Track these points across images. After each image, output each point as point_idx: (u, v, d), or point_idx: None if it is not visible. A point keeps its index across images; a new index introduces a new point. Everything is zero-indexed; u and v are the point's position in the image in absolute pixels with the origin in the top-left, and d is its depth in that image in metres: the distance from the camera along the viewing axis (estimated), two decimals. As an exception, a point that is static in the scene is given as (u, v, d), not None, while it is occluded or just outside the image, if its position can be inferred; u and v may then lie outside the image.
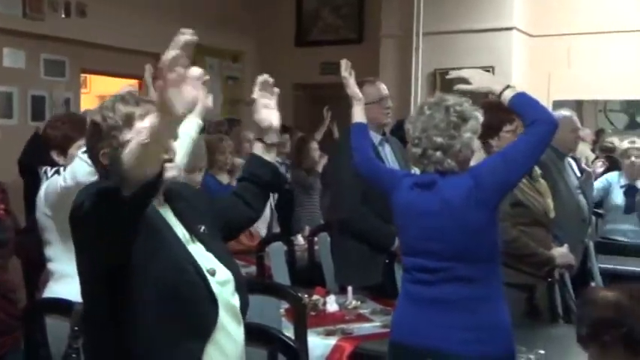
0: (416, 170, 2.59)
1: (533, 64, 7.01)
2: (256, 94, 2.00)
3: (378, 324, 2.97)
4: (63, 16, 6.12)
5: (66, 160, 2.68)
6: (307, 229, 5.04)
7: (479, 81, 2.43)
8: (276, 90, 2.03)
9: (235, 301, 1.72)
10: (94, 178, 1.91)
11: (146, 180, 1.37)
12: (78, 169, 2.34)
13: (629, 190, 4.86)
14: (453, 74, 2.54)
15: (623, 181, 4.99)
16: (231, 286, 1.72)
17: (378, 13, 7.40)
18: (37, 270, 3.04)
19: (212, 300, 1.63)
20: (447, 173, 2.28)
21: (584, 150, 6.41)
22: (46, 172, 2.76)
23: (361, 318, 3.06)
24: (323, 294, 3.31)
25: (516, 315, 2.42)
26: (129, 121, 1.65)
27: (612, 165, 5.33)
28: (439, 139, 2.26)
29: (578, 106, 6.84)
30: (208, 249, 1.74)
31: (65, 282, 2.45)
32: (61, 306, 2.22)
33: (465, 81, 2.47)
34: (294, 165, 5.86)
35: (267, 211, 4.91)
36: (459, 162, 2.29)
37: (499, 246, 2.31)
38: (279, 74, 8.62)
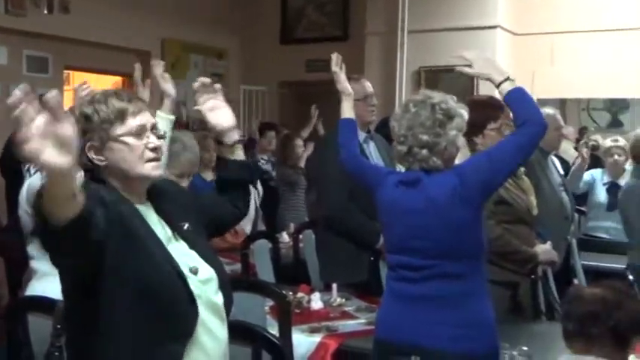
0: (401, 168, 2.59)
1: (517, 63, 7.04)
2: (199, 103, 1.92)
3: (362, 321, 2.98)
4: (45, 12, 6.07)
5: None
6: (292, 227, 5.05)
7: (481, 66, 2.40)
8: (217, 86, 1.96)
9: (219, 299, 1.71)
10: None
11: (66, 221, 1.31)
12: None
13: (612, 188, 4.89)
14: (457, 54, 2.48)
15: (606, 179, 5.03)
16: (215, 284, 1.72)
17: (362, 10, 7.40)
18: (19, 268, 3.02)
19: (191, 301, 1.61)
20: (432, 171, 2.28)
21: (568, 148, 6.45)
22: (29, 170, 2.74)
23: (346, 315, 3.06)
24: (308, 291, 3.31)
25: (500, 312, 2.43)
26: (122, 116, 1.64)
27: (594, 163, 5.37)
28: (425, 137, 2.26)
29: (561, 104, 6.88)
30: (191, 247, 1.73)
31: (48, 280, 2.44)
32: (44, 304, 2.21)
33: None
34: (279, 162, 5.85)
35: (252, 209, 4.89)
36: (445, 160, 2.29)
37: (484, 243, 2.32)
38: (264, 72, 8.69)
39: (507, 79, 2.33)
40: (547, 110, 4.32)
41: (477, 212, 2.26)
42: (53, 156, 1.16)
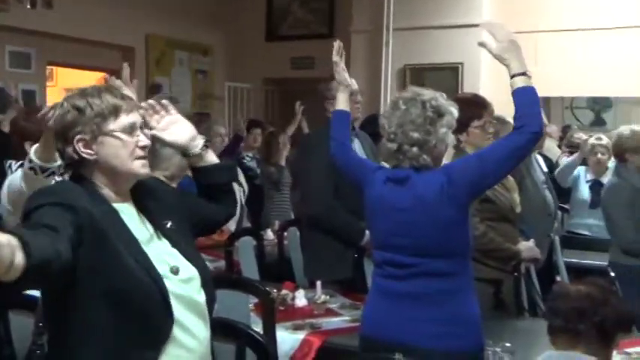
0: (385, 165, 2.58)
1: (501, 61, 7.07)
2: (151, 127, 1.82)
3: (347, 318, 2.98)
4: (29, 7, 6.01)
5: None
6: (277, 224, 5.04)
7: (504, 49, 2.24)
8: (165, 102, 1.87)
9: (201, 298, 1.70)
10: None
11: (15, 278, 1.28)
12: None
13: (595, 186, 4.93)
14: (484, 25, 2.31)
15: (589, 177, 5.06)
16: (197, 283, 1.70)
17: (348, 8, 7.40)
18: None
19: (166, 306, 1.60)
20: (422, 169, 2.27)
21: (551, 146, 6.50)
22: (10, 167, 2.71)
23: (330, 312, 3.07)
24: (292, 289, 3.30)
25: (483, 309, 2.43)
26: (116, 112, 1.64)
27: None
28: (415, 135, 2.25)
29: (545, 102, 6.93)
30: (174, 245, 1.72)
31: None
32: (25, 302, 2.19)
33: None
34: (263, 160, 5.84)
35: (237, 206, 4.88)
36: (434, 157, 2.28)
37: (470, 242, 2.32)
38: (249, 69, 8.64)
39: (524, 74, 2.23)
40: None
41: (464, 212, 2.25)
42: None
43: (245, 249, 4.13)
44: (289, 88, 7.96)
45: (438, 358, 2.14)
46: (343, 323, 2.93)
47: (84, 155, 1.63)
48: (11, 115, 4.16)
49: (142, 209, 1.73)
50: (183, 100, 7.55)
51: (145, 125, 1.74)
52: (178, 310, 1.62)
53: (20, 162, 2.67)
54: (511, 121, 3.97)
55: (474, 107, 3.10)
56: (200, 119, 7.48)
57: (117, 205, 1.67)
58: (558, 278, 4.10)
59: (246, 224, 5.20)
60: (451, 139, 2.34)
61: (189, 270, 1.70)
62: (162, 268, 1.64)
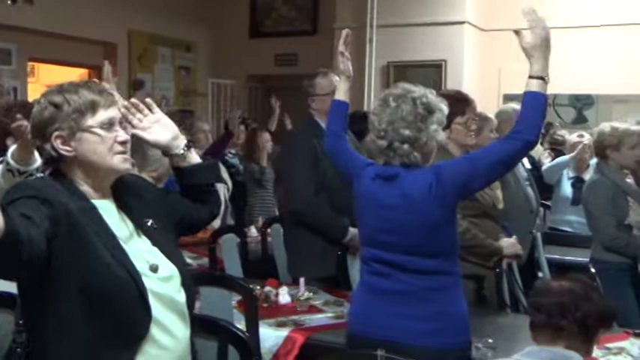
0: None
1: (484, 58, 7.11)
2: (133, 126, 1.80)
3: (330, 315, 2.98)
4: (9, 2, 5.96)
5: None
6: (260, 221, 5.03)
7: (536, 46, 2.18)
8: (148, 100, 1.85)
9: (181, 297, 1.69)
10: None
11: None
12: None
13: (577, 183, 4.97)
14: (527, 13, 2.24)
15: (571, 174, 5.11)
16: (177, 281, 1.69)
17: (332, 5, 7.40)
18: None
19: (144, 304, 1.58)
20: (411, 167, 2.26)
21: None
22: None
23: (313, 309, 3.06)
24: (275, 285, 3.30)
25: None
26: (94, 107, 1.63)
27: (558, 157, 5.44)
28: (406, 132, 2.23)
29: (527, 99, 6.96)
30: (154, 243, 1.71)
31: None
32: (5, 299, 2.17)
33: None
34: (245, 157, 5.82)
35: (222, 206, 4.86)
36: (424, 154, 2.28)
37: (457, 241, 2.31)
38: (233, 65, 8.60)
39: (542, 79, 2.18)
40: (512, 105, 4.39)
41: (451, 212, 2.25)
42: None
43: (228, 246, 4.12)
44: (273, 85, 7.95)
45: (425, 355, 2.13)
46: (326, 320, 2.92)
47: (62, 152, 1.62)
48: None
49: (123, 207, 1.72)
50: (167, 96, 7.52)
51: (126, 120, 1.72)
52: (157, 309, 1.61)
53: (2, 158, 2.65)
54: (493, 117, 4.02)
55: (457, 104, 3.11)
56: (183, 116, 7.46)
57: (96, 202, 1.65)
58: (540, 274, 4.13)
59: (230, 221, 5.18)
60: (442, 136, 2.33)
61: (169, 268, 1.68)
62: (142, 266, 1.63)
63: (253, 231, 4.98)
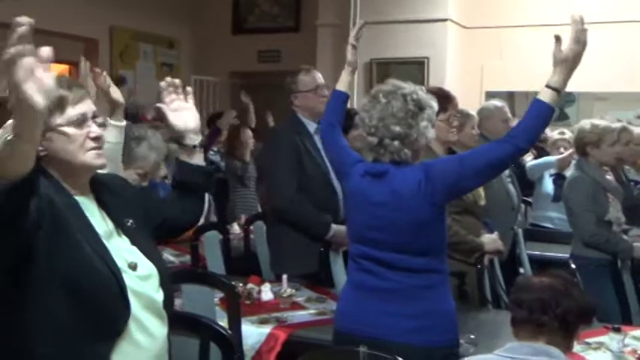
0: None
1: (466, 56, 7.13)
2: (164, 101, 1.86)
3: (312, 311, 2.99)
4: (-12, -3, 5.88)
5: None
6: (243, 218, 5.02)
7: (565, 57, 2.15)
8: (189, 89, 1.90)
9: (159, 296, 1.68)
10: None
11: (16, 178, 1.27)
12: None
13: (558, 179, 5.00)
14: (576, 21, 2.17)
15: (552, 170, 5.14)
16: (155, 281, 1.68)
17: (314, 1, 7.39)
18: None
19: (124, 299, 1.57)
20: (401, 164, 2.25)
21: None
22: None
23: (296, 306, 3.06)
24: (258, 282, 3.30)
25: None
26: (61, 105, 1.59)
27: (540, 155, 5.48)
28: (397, 128, 2.22)
29: (510, 96, 6.99)
30: (133, 242, 1.69)
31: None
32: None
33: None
34: (227, 154, 5.79)
35: (205, 201, 4.84)
36: (414, 151, 2.27)
37: (446, 239, 2.31)
38: (215, 62, 8.56)
39: (557, 91, 2.15)
40: (494, 102, 4.41)
41: (440, 210, 2.24)
42: (33, 91, 1.17)
43: (211, 243, 4.11)
44: (256, 82, 7.92)
45: (412, 353, 2.12)
46: (309, 316, 2.93)
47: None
48: None
49: (103, 206, 1.70)
50: (149, 93, 7.46)
51: (95, 115, 1.66)
52: (135, 307, 1.60)
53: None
54: (474, 114, 4.04)
55: (440, 101, 3.10)
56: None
57: (78, 198, 1.64)
58: (522, 270, 4.15)
59: (213, 218, 5.17)
60: (432, 133, 2.32)
61: (147, 267, 1.67)
62: (120, 264, 1.61)
63: (236, 228, 4.97)
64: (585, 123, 3.93)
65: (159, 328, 1.67)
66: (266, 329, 2.73)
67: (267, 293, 3.17)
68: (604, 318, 2.86)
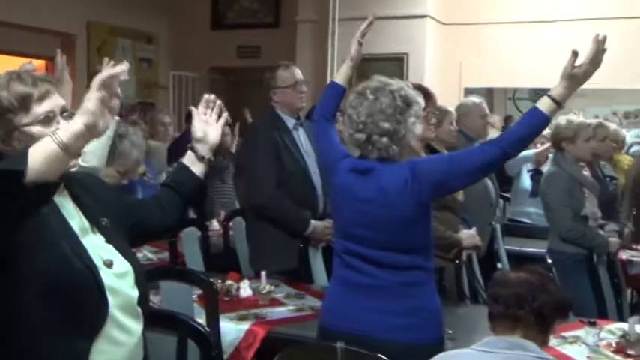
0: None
1: (445, 52, 7.16)
2: (199, 108, 2.00)
3: (291, 308, 2.98)
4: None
5: None
6: (222, 214, 5.00)
7: (575, 74, 2.14)
8: (225, 115, 2.03)
9: (134, 293, 1.67)
10: None
11: (47, 181, 1.31)
12: None
13: (535, 175, 5.05)
14: (598, 42, 2.15)
15: (530, 166, 5.18)
16: (131, 278, 1.67)
17: (294, -3, 7.38)
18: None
19: (101, 295, 1.56)
20: (388, 161, 2.24)
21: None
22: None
23: (275, 302, 3.06)
24: (236, 279, 3.29)
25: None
26: (26, 103, 1.54)
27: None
28: (386, 125, 2.21)
29: (488, 93, 7.05)
30: (108, 240, 1.68)
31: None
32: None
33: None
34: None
35: (176, 220, 4.79)
36: (401, 147, 2.26)
37: (432, 236, 2.31)
38: (194, 57, 8.51)
39: (558, 103, 2.16)
40: (473, 98, 4.43)
41: (425, 208, 2.24)
42: (99, 108, 1.36)
43: (190, 240, 4.09)
44: (235, 78, 7.89)
45: (397, 349, 2.11)
46: (288, 313, 2.93)
47: (5, 152, 1.55)
48: None
49: (78, 204, 1.68)
50: (127, 89, 7.40)
51: (64, 110, 1.61)
52: (111, 304, 1.59)
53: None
54: (452, 110, 4.06)
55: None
56: (144, 108, 7.38)
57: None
58: (499, 265, 4.19)
59: (192, 215, 5.14)
60: (419, 129, 2.31)
61: (123, 265, 1.66)
62: (96, 261, 1.60)
63: (215, 225, 4.94)
64: (561, 119, 3.96)
65: (134, 326, 1.66)
66: (245, 326, 2.72)
67: (245, 290, 3.16)
68: (580, 312, 2.89)
